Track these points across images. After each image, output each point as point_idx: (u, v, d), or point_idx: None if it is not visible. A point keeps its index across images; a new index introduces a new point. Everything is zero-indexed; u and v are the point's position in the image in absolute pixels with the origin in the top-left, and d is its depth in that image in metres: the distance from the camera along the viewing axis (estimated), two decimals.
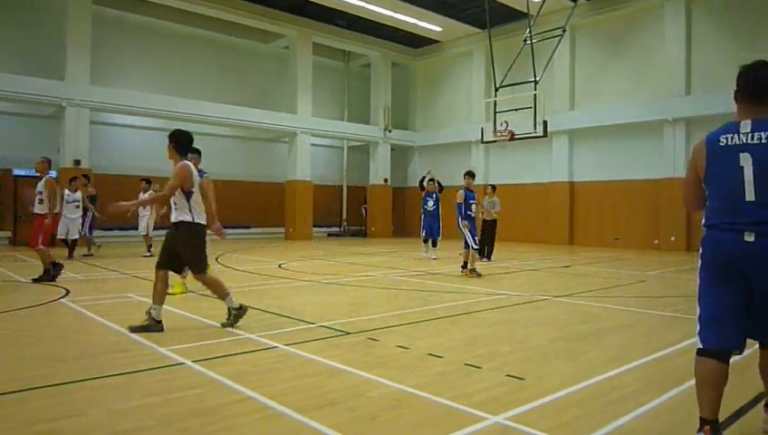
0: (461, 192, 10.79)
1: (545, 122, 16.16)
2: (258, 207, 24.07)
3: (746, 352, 4.91)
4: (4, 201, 17.82)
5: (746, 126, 2.82)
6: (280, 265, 12.34)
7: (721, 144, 2.91)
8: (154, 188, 13.61)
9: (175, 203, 5.63)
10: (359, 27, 23.47)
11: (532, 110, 16.27)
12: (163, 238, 5.99)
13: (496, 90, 17.52)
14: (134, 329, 5.38)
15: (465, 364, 4.43)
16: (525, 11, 17.73)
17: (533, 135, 16.39)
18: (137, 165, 19.56)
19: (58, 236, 13.22)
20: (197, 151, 7.95)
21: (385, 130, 25.65)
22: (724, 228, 2.89)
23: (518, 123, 16.67)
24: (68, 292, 8.04)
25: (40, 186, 9.38)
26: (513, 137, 16.72)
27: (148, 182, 14.17)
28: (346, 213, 27.52)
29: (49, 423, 3.18)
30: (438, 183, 14.54)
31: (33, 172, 18.00)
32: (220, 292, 5.79)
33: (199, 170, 7.81)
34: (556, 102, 20.76)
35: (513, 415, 3.33)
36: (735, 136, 2.85)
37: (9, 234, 17.86)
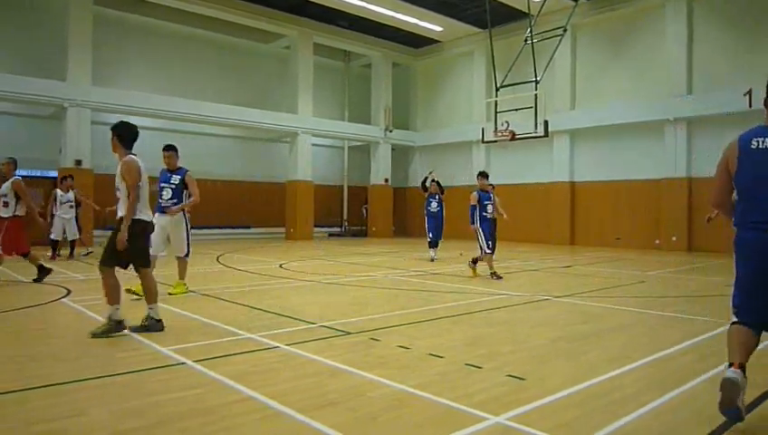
0: (474, 194, 10.45)
1: (546, 122, 16.15)
2: (259, 208, 24.10)
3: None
4: None
5: None
6: (281, 265, 12.34)
7: (753, 146, 3.15)
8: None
9: (119, 199, 5.48)
10: (359, 27, 23.47)
11: (533, 109, 16.25)
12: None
13: (497, 90, 17.51)
14: (95, 334, 5.19)
15: (466, 364, 4.43)
16: (526, 11, 17.72)
17: (534, 135, 16.37)
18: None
19: (52, 237, 13.07)
20: (174, 148, 7.86)
21: (386, 130, 25.65)
22: (749, 226, 3.18)
23: (519, 123, 16.66)
24: (69, 292, 8.05)
25: (4, 188, 9.14)
26: (513, 137, 16.70)
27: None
28: (347, 213, 27.54)
29: (50, 423, 3.18)
30: (438, 184, 14.30)
31: (34, 172, 18.13)
32: (150, 295, 5.54)
33: (179, 168, 7.82)
34: (557, 102, 20.75)
35: (513, 415, 3.33)
36: (766, 140, 3.13)
37: None
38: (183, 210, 7.83)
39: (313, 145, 23.96)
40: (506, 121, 16.78)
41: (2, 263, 9.16)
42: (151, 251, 7.60)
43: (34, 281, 9.02)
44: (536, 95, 16.35)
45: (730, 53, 17.24)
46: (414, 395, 3.68)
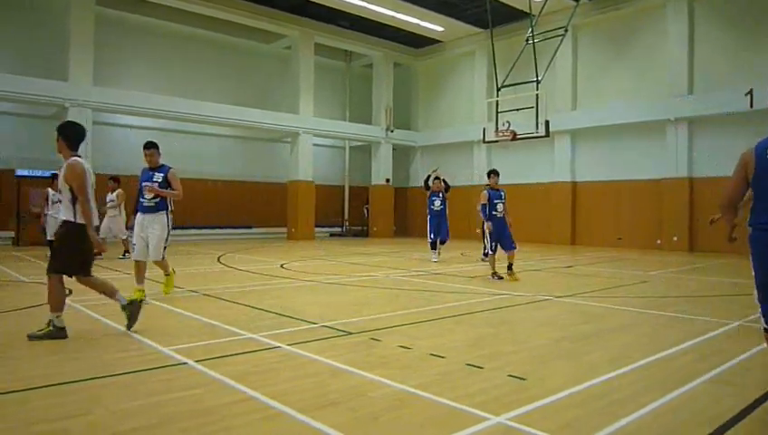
0: (484, 192, 10.30)
1: (547, 122, 16.15)
2: (260, 208, 24.12)
3: (750, 351, 4.91)
4: (7, 202, 17.86)
5: None
6: (282, 266, 12.34)
7: None
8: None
9: (60, 201, 5.45)
10: (360, 27, 23.47)
11: (534, 109, 16.25)
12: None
13: (498, 90, 17.51)
14: (32, 337, 5.06)
15: (468, 364, 4.43)
16: (527, 11, 17.72)
17: (535, 135, 16.37)
18: (139, 165, 19.43)
19: (49, 238, 12.98)
20: (156, 146, 7.63)
21: (387, 130, 25.65)
22: (760, 228, 3.51)
23: (520, 123, 16.66)
24: (70, 292, 8.04)
25: None
26: (515, 137, 16.69)
27: (116, 181, 13.64)
28: (348, 213, 27.55)
29: (51, 423, 3.19)
30: (445, 181, 13.92)
31: (36, 172, 18.16)
32: (108, 291, 5.51)
33: (161, 166, 7.62)
34: (558, 102, 20.74)
35: (515, 415, 3.33)
36: None
37: (12, 234, 17.88)
38: (167, 211, 7.54)
39: (314, 145, 23.96)
40: (507, 121, 16.78)
41: None
42: (134, 256, 7.53)
43: None
44: (537, 95, 16.35)
45: (731, 53, 17.22)
46: (415, 395, 3.68)
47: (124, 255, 13.08)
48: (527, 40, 17.25)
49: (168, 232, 7.57)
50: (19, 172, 17.81)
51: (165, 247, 7.50)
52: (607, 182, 20.09)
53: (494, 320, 6.47)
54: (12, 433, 3.05)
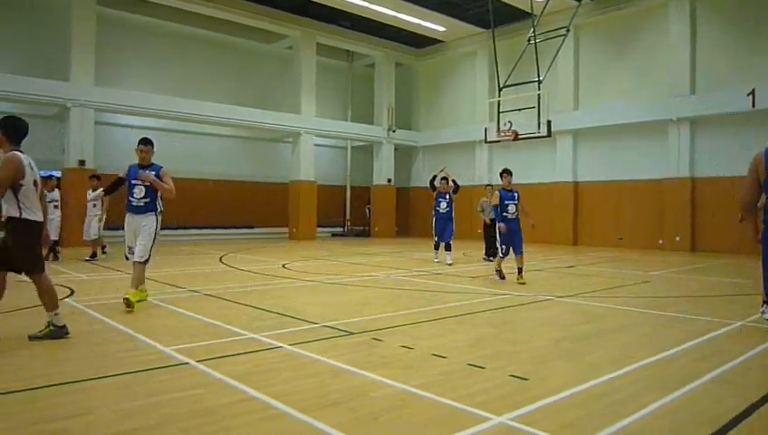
0: (496, 193, 10.07)
1: (549, 122, 16.15)
2: (262, 208, 24.15)
3: (751, 351, 4.91)
4: None
5: None
6: (283, 266, 12.35)
7: None
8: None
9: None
10: (362, 27, 23.48)
11: (536, 110, 16.26)
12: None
13: (500, 90, 17.50)
14: (33, 337, 5.06)
15: (469, 364, 4.43)
16: (529, 11, 17.72)
17: (537, 135, 16.37)
18: None
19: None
20: (152, 143, 7.30)
21: (388, 130, 25.66)
22: None
23: (522, 123, 16.65)
24: (72, 292, 8.07)
25: None
26: (516, 137, 16.69)
27: (97, 178, 13.23)
28: (349, 213, 27.56)
29: (53, 423, 3.20)
30: (454, 182, 13.35)
31: (38, 173, 18.16)
32: (50, 302, 5.18)
33: (152, 164, 7.17)
34: (560, 102, 20.73)
35: (516, 415, 3.33)
36: None
37: None
38: (156, 212, 7.12)
39: (316, 145, 23.97)
40: (509, 121, 16.77)
41: None
42: (129, 258, 7.14)
43: None
44: (539, 95, 16.35)
45: (733, 53, 17.20)
46: (416, 395, 3.69)
47: (92, 257, 12.72)
48: (529, 40, 17.24)
49: (156, 233, 7.12)
50: None
51: (152, 249, 7.01)
52: (609, 182, 20.07)
53: (496, 320, 6.47)
54: (14, 433, 3.06)
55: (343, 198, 27.49)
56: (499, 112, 17.26)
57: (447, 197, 13.15)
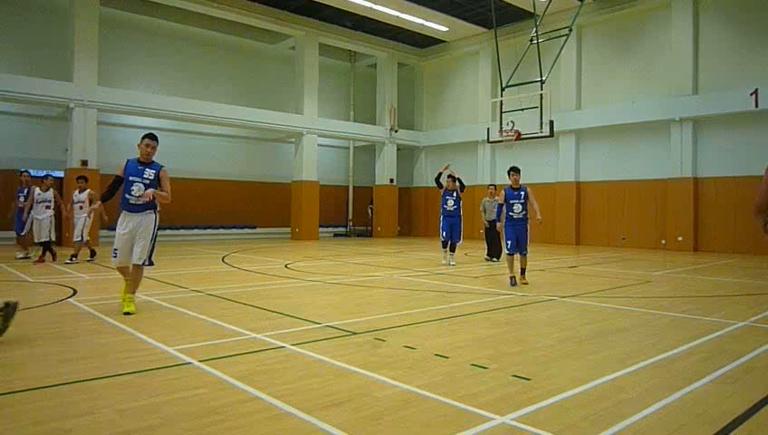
0: (502, 192, 9.83)
1: (552, 122, 16.13)
2: (264, 208, 24.19)
3: (755, 351, 4.90)
4: (11, 202, 17.89)
5: None
6: (286, 266, 12.36)
7: None
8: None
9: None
10: (365, 28, 23.50)
11: (539, 109, 16.24)
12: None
13: (502, 89, 17.50)
14: None
15: (472, 365, 4.42)
16: (532, 10, 17.72)
17: (540, 135, 16.36)
18: None
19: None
20: (157, 140, 6.82)
21: (391, 130, 25.66)
22: None
23: (524, 123, 16.63)
24: (75, 292, 8.09)
25: None
26: (519, 137, 16.67)
27: (85, 180, 12.97)
28: (352, 213, 27.57)
29: (56, 422, 3.20)
30: (459, 180, 13.10)
31: (40, 172, 18.18)
32: None
33: (153, 162, 6.77)
34: (563, 102, 20.71)
35: (519, 416, 3.33)
36: None
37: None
38: (155, 210, 6.82)
39: (319, 145, 24.00)
40: (512, 121, 16.77)
41: None
42: (116, 262, 6.61)
43: None
44: (542, 95, 16.33)
45: (736, 53, 17.16)
46: (419, 395, 3.68)
47: (71, 258, 12.26)
48: (531, 40, 17.23)
49: (155, 232, 6.88)
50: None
51: (152, 250, 6.79)
52: (611, 182, 20.04)
53: (499, 320, 6.46)
54: (18, 432, 3.06)
55: (346, 198, 27.50)
56: (502, 112, 17.26)
57: (455, 194, 12.95)
